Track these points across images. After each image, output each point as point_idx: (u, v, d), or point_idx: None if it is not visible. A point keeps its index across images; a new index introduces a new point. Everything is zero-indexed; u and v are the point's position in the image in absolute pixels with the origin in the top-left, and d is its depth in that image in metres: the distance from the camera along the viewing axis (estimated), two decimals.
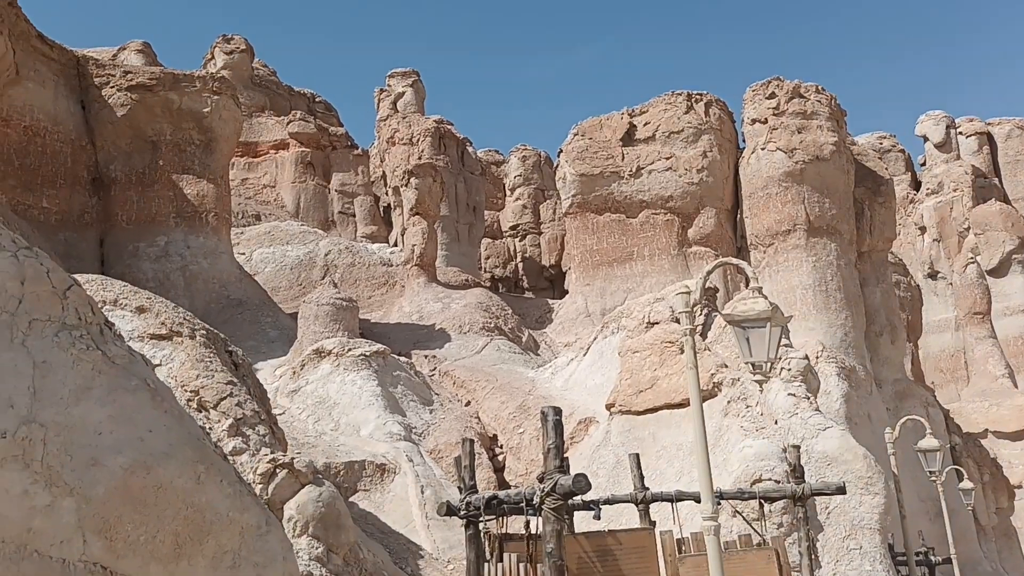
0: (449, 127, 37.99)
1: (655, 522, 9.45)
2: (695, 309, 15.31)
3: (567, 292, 34.34)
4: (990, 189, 53.99)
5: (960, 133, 56.15)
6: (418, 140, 34.56)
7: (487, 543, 7.37)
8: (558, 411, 6.16)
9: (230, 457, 13.15)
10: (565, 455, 18.06)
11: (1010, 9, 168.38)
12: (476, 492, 7.30)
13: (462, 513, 7.31)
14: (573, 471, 17.59)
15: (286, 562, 3.62)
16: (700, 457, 7.82)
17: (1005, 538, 31.29)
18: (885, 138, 57.31)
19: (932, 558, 16.68)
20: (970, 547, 26.71)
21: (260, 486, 12.64)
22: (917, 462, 16.35)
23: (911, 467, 20.15)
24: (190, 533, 3.53)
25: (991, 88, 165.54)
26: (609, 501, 9.30)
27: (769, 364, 8.00)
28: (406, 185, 32.71)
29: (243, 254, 33.46)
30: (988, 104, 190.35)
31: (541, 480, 6.02)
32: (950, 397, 44.11)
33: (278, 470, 12.52)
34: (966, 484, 24.64)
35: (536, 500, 6.00)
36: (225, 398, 13.80)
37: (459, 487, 7.65)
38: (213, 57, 45.29)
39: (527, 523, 6.90)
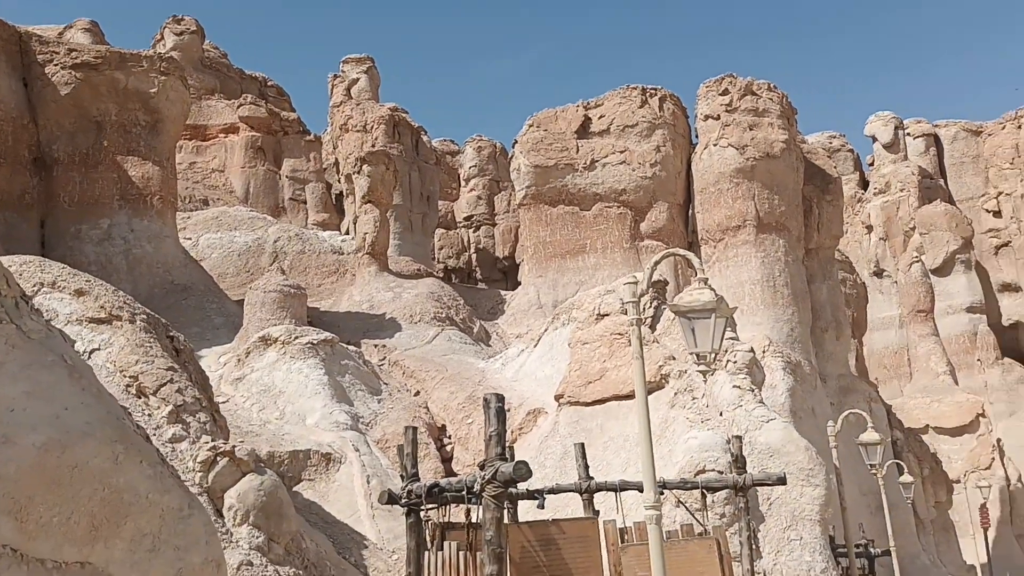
0: (404, 115, 37.67)
1: (599, 512, 9.45)
2: (641, 300, 15.36)
3: (520, 284, 34.33)
4: (936, 190, 55.25)
5: (908, 134, 57.36)
6: (372, 128, 34.21)
7: (428, 531, 7.28)
8: (500, 398, 6.09)
9: (169, 445, 12.86)
10: (513, 444, 17.98)
11: (955, 11, 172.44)
12: (418, 480, 7.21)
13: (403, 501, 7.21)
14: (522, 461, 17.36)
15: (209, 546, 3.49)
16: (644, 447, 7.82)
17: (943, 531, 32.08)
18: (835, 137, 58.31)
19: (872, 550, 17.02)
20: (909, 540, 27.32)
21: (200, 474, 12.38)
22: (859, 456, 16.64)
23: (853, 461, 20.51)
24: (107, 515, 3.38)
25: (939, 90, 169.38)
26: (553, 491, 9.27)
27: (713, 355, 8.02)
28: (359, 172, 32.37)
29: (189, 239, 32.82)
30: (936, 106, 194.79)
31: (482, 468, 5.95)
32: (893, 393, 45.10)
33: (219, 458, 12.27)
34: (906, 478, 25.19)
35: (477, 488, 5.93)
36: (165, 384, 13.48)
37: (401, 475, 7.55)
38: (163, 38, 44.33)
39: (467, 511, 6.83)
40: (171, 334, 15.46)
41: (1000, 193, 57.11)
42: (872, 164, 57.35)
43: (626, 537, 9.10)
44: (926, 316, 47.10)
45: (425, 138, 41.40)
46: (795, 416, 23.29)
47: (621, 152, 30.42)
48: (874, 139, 56.12)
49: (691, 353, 7.96)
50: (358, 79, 37.47)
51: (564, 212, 31.07)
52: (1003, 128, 57.42)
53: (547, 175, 30.67)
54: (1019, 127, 56.20)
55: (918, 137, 57.98)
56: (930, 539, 29.47)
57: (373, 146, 33.31)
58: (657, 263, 8.61)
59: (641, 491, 7.89)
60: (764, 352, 24.95)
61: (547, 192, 30.91)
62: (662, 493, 8.86)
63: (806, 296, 29.47)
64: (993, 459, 37.54)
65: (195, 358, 15.74)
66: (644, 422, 7.75)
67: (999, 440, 39.19)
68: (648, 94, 30.36)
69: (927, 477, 30.92)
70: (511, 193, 42.19)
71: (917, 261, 49.21)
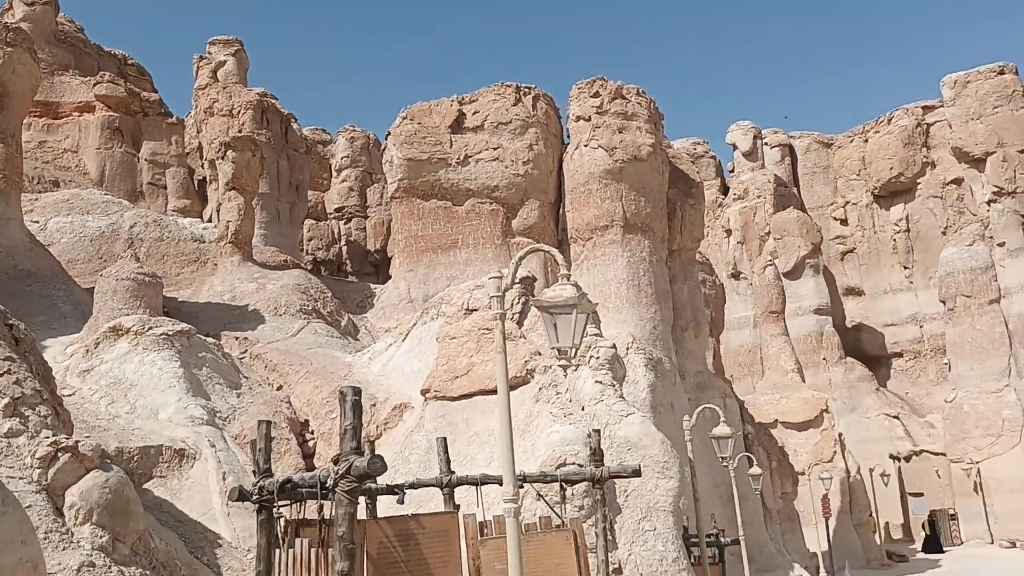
0: (273, 101, 36.57)
1: (459, 506, 9.44)
2: (508, 295, 15.41)
3: (391, 277, 33.98)
4: (789, 197, 58.31)
5: (766, 144, 60.26)
6: (239, 112, 33.06)
7: (281, 529, 7.07)
8: (357, 391, 5.98)
9: (5, 440, 12.01)
10: (379, 439, 17.75)
11: (810, 30, 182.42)
12: (271, 476, 6.99)
13: (255, 498, 6.97)
14: (387, 456, 17.27)
15: (26, 545, 3.24)
16: (503, 442, 7.86)
17: (789, 521, 33.87)
18: (699, 144, 60.58)
19: (722, 539, 17.79)
20: (757, 529, 28.71)
21: (39, 471, 11.61)
22: (713, 449, 17.35)
23: (707, 454, 21.36)
24: None
25: (795, 103, 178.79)
26: (414, 485, 9.20)
27: (574, 349, 8.15)
28: (223, 158, 31.20)
29: (36, 222, 30.79)
30: (792, 118, 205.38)
31: (336, 462, 5.82)
32: (746, 389, 47.32)
33: (60, 454, 11.53)
34: (755, 470, 26.49)
35: (330, 483, 5.79)
36: (2, 375, 12.57)
37: (253, 471, 7.30)
38: (11, 7, 41.37)
39: (320, 507, 6.68)
40: (10, 322, 14.42)
41: (847, 202, 60.85)
42: (732, 171, 59.94)
43: (485, 531, 9.13)
44: (777, 317, 49.60)
45: (295, 126, 40.35)
46: (655, 411, 24.04)
47: (495, 149, 30.57)
48: (735, 147, 58.69)
49: (553, 348, 8.07)
50: (225, 62, 36.12)
51: (437, 206, 30.95)
52: (851, 141, 61.19)
53: (420, 169, 30.47)
54: (866, 141, 59.99)
55: (774, 147, 61.03)
56: (776, 528, 31.05)
57: (239, 131, 32.19)
58: (521, 259, 8.67)
59: (501, 485, 7.94)
60: (628, 349, 25.63)
61: (420, 186, 30.71)
62: (522, 487, 8.94)
63: (668, 295, 30.45)
64: (835, 452, 39.93)
65: (37, 348, 14.76)
66: (505, 416, 7.79)
67: (840, 435, 41.74)
68: (522, 92, 30.64)
69: (775, 469, 32.56)
70: (384, 185, 41.71)
71: (771, 264, 51.75)
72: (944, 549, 43.97)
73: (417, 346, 21.15)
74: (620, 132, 29.19)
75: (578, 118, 30.16)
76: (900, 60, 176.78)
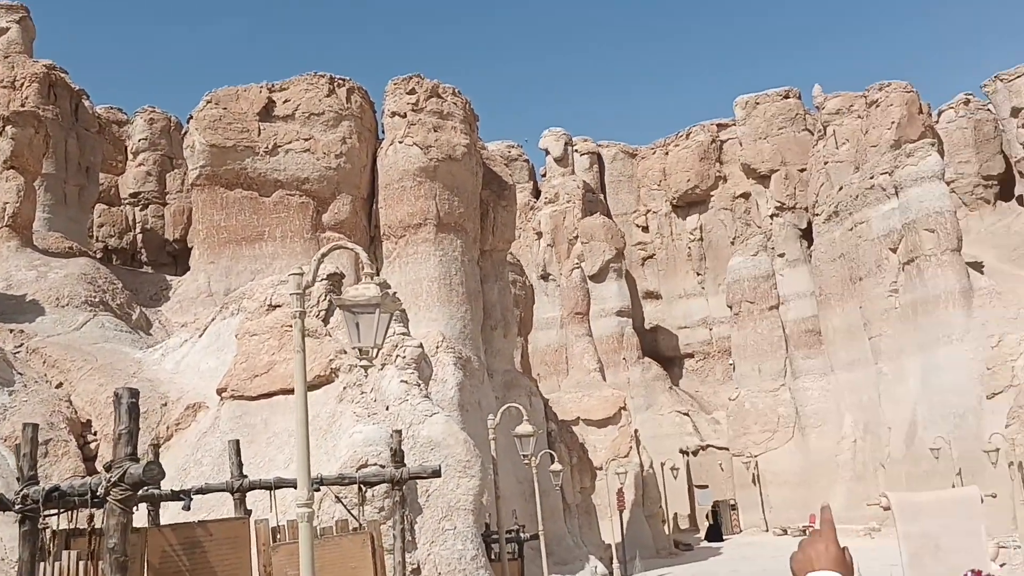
0: (63, 75, 33.74)
1: (251, 511, 9.06)
2: (315, 292, 15.02)
3: (190, 269, 32.22)
4: (597, 204, 60.68)
5: (576, 151, 62.36)
6: (22, 84, 30.25)
7: (48, 540, 6.48)
8: (134, 393, 5.56)
9: None
10: (169, 440, 16.69)
11: (624, 41, 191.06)
12: (36, 484, 6.38)
13: (17, 507, 6.34)
14: (177, 459, 16.29)
15: None
16: (300, 444, 7.61)
17: (586, 515, 35.19)
18: (513, 147, 61.81)
19: (522, 535, 18.17)
20: (557, 523, 29.61)
21: None
22: (517, 447, 17.71)
23: (512, 452, 21.75)
24: None
25: (604, 112, 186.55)
26: (202, 491, 8.72)
27: (376, 350, 8.02)
28: (1, 134, 28.41)
29: None
30: (601, 127, 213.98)
31: (108, 469, 5.39)
32: (552, 388, 48.74)
33: None
34: (556, 467, 27.27)
35: (101, 491, 5.36)
36: None
37: (17, 478, 6.64)
38: None
39: (90, 516, 6.17)
40: None
41: (649, 211, 64.15)
42: (544, 175, 61.61)
43: (278, 536, 8.82)
44: (583, 318, 51.46)
45: (87, 103, 37.41)
46: (462, 409, 24.24)
47: (306, 140, 29.72)
48: (547, 152, 60.35)
49: (354, 347, 7.91)
50: (8, 29, 32.92)
51: (242, 196, 29.68)
52: (653, 153, 64.57)
53: (225, 156, 29.10)
54: (666, 154, 63.47)
55: (584, 154, 63.34)
56: (575, 522, 32.17)
57: (22, 105, 29.46)
58: (324, 256, 8.44)
59: (296, 488, 7.69)
60: (437, 348, 25.70)
61: (224, 174, 29.33)
62: (318, 490, 8.70)
63: (479, 295, 30.80)
64: (631, 448, 41.93)
65: None
66: (301, 418, 7.55)
67: (636, 431, 43.88)
68: (336, 84, 29.97)
69: (575, 465, 33.73)
70: (185, 172, 39.49)
71: (578, 267, 53.62)
72: (724, 537, 47.30)
73: (215, 342, 20.16)
74: (436, 131, 29.21)
75: (393, 114, 29.91)
76: (701, 78, 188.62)
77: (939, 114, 55.64)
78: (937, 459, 33.00)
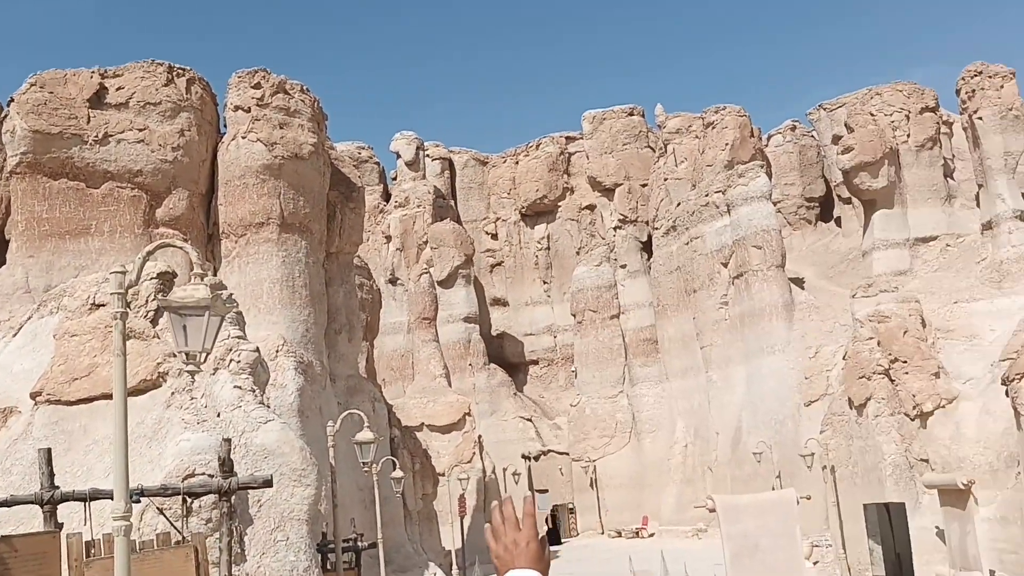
0: None
1: (63, 524, 8.46)
2: (141, 289, 14.21)
3: (6, 263, 29.83)
4: (447, 209, 60.80)
5: (427, 155, 62.30)
6: None
7: None
8: None
9: None
10: None
11: (476, 48, 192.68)
12: None
13: None
14: None
15: None
16: (118, 452, 7.19)
17: (427, 521, 35.11)
18: (364, 148, 61.00)
19: (359, 544, 17.88)
20: (397, 531, 29.37)
21: None
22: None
23: (353, 459, 21.40)
24: None
25: (456, 119, 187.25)
26: (7, 503, 8.06)
27: (205, 355, 7.69)
28: None
29: None
30: (452, 134, 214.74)
31: None
32: (397, 393, 48.38)
33: None
34: (397, 473, 27.07)
35: None
36: None
37: None
38: None
39: None
40: None
41: (498, 218, 64.90)
42: (395, 179, 61.18)
43: (93, 551, 8.27)
44: (430, 323, 51.41)
45: None
46: (303, 416, 23.65)
47: (140, 130, 28.15)
48: (398, 156, 59.97)
49: (180, 351, 7.54)
50: None
51: (67, 187, 27.77)
52: (504, 162, 65.42)
53: (49, 143, 27.15)
54: (516, 163, 64.46)
55: (435, 159, 63.35)
56: (415, 528, 32.01)
57: None
58: (151, 252, 8.01)
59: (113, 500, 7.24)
60: (278, 352, 24.96)
61: (48, 162, 27.35)
62: (138, 501, 8.23)
63: (323, 298, 30.16)
64: (474, 453, 42.24)
65: None
66: (120, 425, 7.13)
67: (480, 437, 44.24)
68: (175, 73, 28.58)
69: (418, 471, 33.59)
70: (3, 158, 36.54)
71: (426, 272, 53.54)
72: (562, 540, 48.40)
73: (31, 342, 18.74)
74: (281, 127, 28.40)
75: (237, 108, 28.85)
76: (551, 91, 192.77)
77: (768, 138, 59.33)
78: (759, 463, 35.05)
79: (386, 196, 61.61)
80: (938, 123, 45.22)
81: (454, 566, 30.60)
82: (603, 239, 58.32)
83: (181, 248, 8.26)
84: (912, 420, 25.30)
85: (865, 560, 22.69)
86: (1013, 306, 29.81)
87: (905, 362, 26.13)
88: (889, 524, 20.40)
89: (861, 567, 24.25)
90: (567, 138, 63.73)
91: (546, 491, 52.29)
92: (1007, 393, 20.75)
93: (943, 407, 25.28)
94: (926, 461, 24.45)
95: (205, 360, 7.49)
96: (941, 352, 27.80)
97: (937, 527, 22.45)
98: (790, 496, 21.42)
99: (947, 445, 24.55)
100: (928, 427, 25.33)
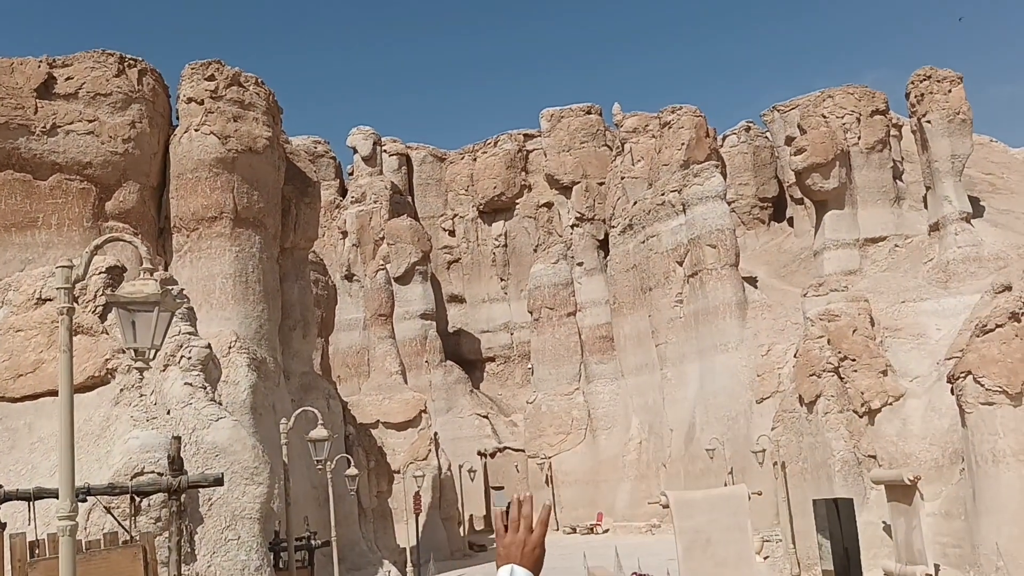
0: None
1: (5, 524, 8.25)
2: (89, 284, 13.95)
3: None
4: (404, 205, 60.51)
5: (385, 151, 61.92)
6: None
7: None
8: None
9: None
10: None
11: (434, 43, 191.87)
12: None
13: None
14: None
15: None
16: (63, 450, 7.04)
17: (382, 519, 34.93)
18: (319, 143, 60.41)
19: (313, 542, 17.73)
20: (351, 529, 29.18)
21: None
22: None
23: (307, 456, 21.21)
24: None
25: (413, 114, 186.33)
26: None
27: (154, 351, 7.56)
28: None
29: None
30: (409, 129, 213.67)
31: None
32: (352, 390, 48.05)
33: None
34: (352, 471, 26.91)
35: None
36: None
37: None
38: None
39: None
40: None
41: (456, 215, 64.76)
42: (352, 174, 60.68)
43: (37, 551, 8.09)
44: (386, 320, 51.12)
45: None
46: (255, 413, 23.36)
47: (90, 121, 27.52)
48: (355, 151, 59.50)
49: (128, 348, 7.40)
50: None
51: (13, 179, 27.04)
52: (462, 158, 65.29)
53: None
54: (475, 160, 64.36)
55: (393, 155, 62.99)
56: (370, 526, 31.83)
57: None
58: (98, 247, 7.86)
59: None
60: (230, 348, 24.63)
61: None
62: (84, 500, 8.06)
63: (278, 294, 29.83)
64: (430, 451, 42.11)
65: None
66: (67, 421, 6.97)
67: (436, 434, 44.11)
68: (127, 64, 27.99)
69: (373, 469, 33.39)
70: None
71: (383, 268, 53.22)
72: None
73: None
74: (235, 120, 28.00)
75: (190, 100, 28.38)
76: (509, 87, 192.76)
77: (723, 138, 60.04)
78: (712, 459, 35.49)
79: (342, 191, 61.11)
80: (888, 126, 46.15)
81: (408, 563, 30.49)
82: (560, 237, 58.52)
83: (130, 242, 8.11)
84: (860, 417, 25.81)
85: (814, 555, 23.10)
86: (959, 305, 30.55)
87: (854, 360, 26.64)
88: (838, 519, 20.80)
89: (810, 561, 24.68)
90: (525, 135, 63.79)
91: (502, 488, 52.35)
92: (952, 391, 21.27)
93: (890, 404, 25.83)
94: (874, 457, 24.96)
95: (154, 357, 7.37)
96: (889, 350, 28.39)
97: (884, 522, 22.93)
98: (741, 492, 21.73)
99: (894, 442, 25.10)
100: (876, 424, 25.86)
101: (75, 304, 15.70)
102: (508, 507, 2.24)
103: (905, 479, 21.18)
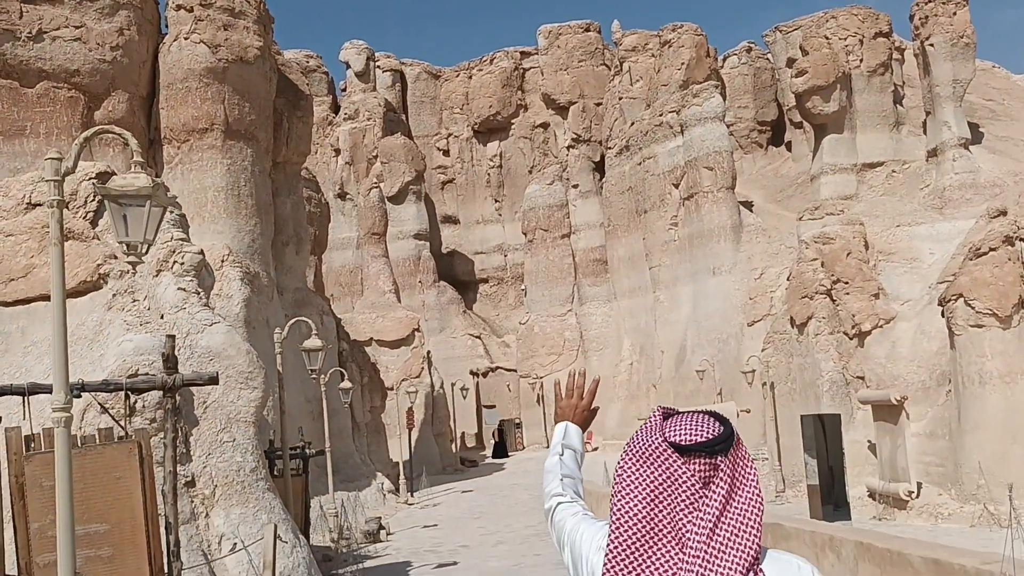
0: None
1: (1, 419, 8.29)
2: (80, 188, 13.73)
3: None
4: (398, 123, 59.67)
5: (378, 67, 60.72)
6: None
7: None
8: None
9: None
10: None
11: None
12: None
13: None
14: None
15: None
16: (57, 340, 7.00)
17: (376, 433, 35.44)
18: (312, 57, 59.18)
19: (307, 451, 17.97)
20: (345, 441, 29.61)
21: None
22: (306, 365, 17.36)
23: (301, 370, 21.36)
24: None
25: (407, 29, 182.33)
26: None
27: (146, 246, 7.47)
28: None
29: None
30: (403, 46, 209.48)
31: None
32: (345, 308, 48.20)
33: None
34: (346, 384, 27.18)
35: None
36: None
37: None
38: None
39: None
40: None
41: (450, 134, 63.98)
42: (344, 90, 59.65)
43: (33, 445, 8.14)
44: (379, 239, 50.98)
45: None
46: (249, 326, 23.41)
47: (77, 28, 26.81)
48: (348, 66, 58.33)
49: (120, 242, 7.30)
50: None
51: (1, 86, 26.49)
52: (457, 76, 64.15)
53: None
54: (470, 77, 63.25)
55: (387, 71, 61.84)
56: (364, 440, 32.31)
57: None
58: (88, 139, 7.69)
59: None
60: (223, 261, 24.51)
61: None
62: (79, 396, 8.07)
63: (270, 209, 29.61)
64: (423, 368, 42.48)
65: None
66: (59, 313, 6.92)
67: (429, 352, 44.43)
68: None
69: (366, 384, 33.73)
70: None
71: (376, 187, 52.81)
72: (509, 454, 49.38)
73: None
74: (226, 29, 27.32)
75: (179, 7, 27.63)
76: (505, 2, 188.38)
77: (724, 59, 59.00)
78: (702, 380, 35.90)
79: (335, 108, 60.15)
80: (891, 49, 45.35)
81: (401, 477, 31.05)
82: (556, 158, 57.99)
83: (120, 135, 7.93)
84: (851, 339, 26.02)
85: (800, 472, 23.56)
86: (953, 230, 30.53)
87: (847, 283, 26.71)
88: (824, 437, 21.14)
89: (796, 479, 25.20)
90: (522, 53, 62.59)
91: (493, 407, 53.10)
92: (943, 314, 21.40)
93: (881, 327, 26.01)
94: (862, 378, 25.25)
95: (146, 252, 7.27)
96: (882, 274, 28.47)
97: (869, 441, 23.33)
98: (729, 409, 22.06)
99: (883, 363, 25.36)
100: (865, 346, 26.08)
101: (66, 207, 15.44)
102: (567, 377, 2.80)
103: (892, 399, 21.47)
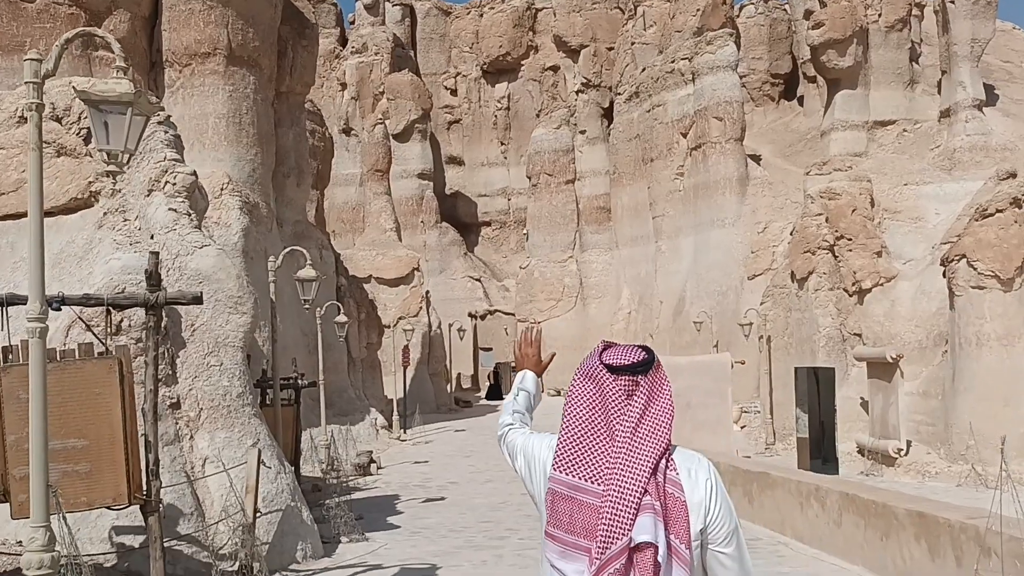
0: None
1: None
2: (72, 106, 13.35)
3: None
4: (406, 60, 58.73)
5: (388, 0, 59.56)
6: None
7: None
8: None
9: None
10: None
11: None
12: None
13: None
14: None
15: None
16: (33, 249, 6.83)
17: (371, 369, 35.50)
18: None
19: (300, 382, 17.92)
20: (340, 376, 29.67)
21: None
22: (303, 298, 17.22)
23: (298, 303, 21.22)
24: None
25: None
26: None
27: (127, 155, 7.25)
28: None
29: None
30: None
31: None
32: (346, 245, 48.00)
33: None
34: (341, 318, 27.12)
35: None
36: None
37: None
38: None
39: None
40: None
41: (459, 73, 63.04)
42: (353, 23, 58.60)
43: (10, 356, 8.02)
44: (383, 176, 50.53)
45: None
46: (247, 256, 23.21)
47: None
48: None
49: (100, 150, 7.09)
50: None
51: (3, 1, 25.93)
52: (468, 13, 62.96)
53: None
54: (481, 15, 62.07)
55: (396, 5, 60.67)
56: (359, 375, 32.38)
57: None
58: (70, 40, 7.43)
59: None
60: (223, 190, 24.22)
61: None
62: (59, 308, 7.93)
63: (272, 139, 29.22)
64: (421, 308, 42.45)
65: None
66: (36, 218, 6.74)
67: (428, 292, 44.38)
68: None
69: (363, 321, 33.69)
70: None
71: (381, 124, 52.15)
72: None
73: None
74: None
75: None
76: None
77: (741, 8, 57.76)
78: (699, 331, 35.84)
79: (343, 41, 59.15)
80: (910, 4, 44.32)
81: (395, 413, 31.20)
82: (564, 102, 57.17)
83: (103, 37, 7.65)
84: (850, 296, 25.84)
85: (791, 426, 23.60)
86: (960, 191, 30.14)
87: (850, 240, 26.43)
88: (817, 391, 21.11)
89: (786, 432, 25.27)
90: None
91: (490, 349, 53.20)
92: (945, 273, 21.19)
93: (881, 285, 25.81)
94: (859, 335, 25.15)
95: (128, 161, 7.05)
96: (886, 232, 28.18)
97: (862, 398, 23.32)
98: (725, 359, 21.99)
99: (881, 322, 25.22)
100: (865, 304, 25.92)
101: (59, 122, 15.05)
102: (523, 332, 3.30)
103: (888, 356, 21.38)
